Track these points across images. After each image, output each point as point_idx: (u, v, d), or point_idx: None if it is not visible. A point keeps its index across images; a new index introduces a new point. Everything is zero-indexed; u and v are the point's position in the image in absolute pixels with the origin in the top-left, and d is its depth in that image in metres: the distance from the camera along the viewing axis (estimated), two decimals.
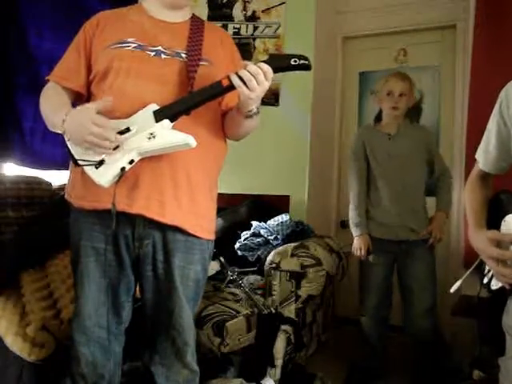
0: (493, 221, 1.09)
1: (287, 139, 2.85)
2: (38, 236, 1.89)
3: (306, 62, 1.09)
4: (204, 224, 1.24)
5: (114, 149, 1.09)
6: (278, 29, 2.88)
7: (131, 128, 1.10)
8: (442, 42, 2.85)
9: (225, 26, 2.96)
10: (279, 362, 1.92)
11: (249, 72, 1.07)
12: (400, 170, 2.08)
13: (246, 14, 2.95)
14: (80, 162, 1.11)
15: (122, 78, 1.18)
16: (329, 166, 3.13)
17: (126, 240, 1.18)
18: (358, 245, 2.14)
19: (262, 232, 2.44)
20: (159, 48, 1.21)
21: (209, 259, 1.31)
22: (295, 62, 1.09)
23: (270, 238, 2.41)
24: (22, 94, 2.50)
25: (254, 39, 2.92)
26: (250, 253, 2.40)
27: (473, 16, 2.47)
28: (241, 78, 1.07)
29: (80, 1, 2.75)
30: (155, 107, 1.12)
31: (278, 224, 2.45)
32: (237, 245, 2.45)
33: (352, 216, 2.17)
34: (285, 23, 2.87)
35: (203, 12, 3.00)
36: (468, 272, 1.15)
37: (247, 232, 2.49)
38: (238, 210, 2.67)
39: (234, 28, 2.95)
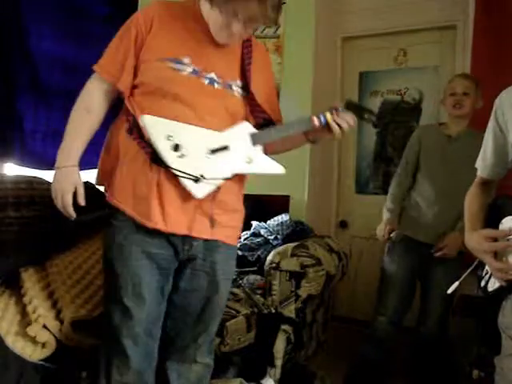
0: (491, 225, 1.10)
1: None
2: (38, 236, 1.90)
3: (375, 121, 1.26)
4: (237, 235, 1.36)
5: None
6: (278, 29, 2.88)
7: (230, 146, 1.15)
8: (441, 42, 2.85)
9: None
10: (279, 362, 1.93)
11: (347, 122, 1.21)
12: (450, 174, 2.01)
13: None
14: (177, 173, 1.12)
15: (173, 104, 1.14)
16: (329, 166, 3.13)
17: (178, 249, 1.22)
18: (383, 225, 2.12)
19: (262, 232, 2.45)
20: (213, 76, 1.18)
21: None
22: (367, 117, 1.26)
23: (269, 237, 2.41)
24: (23, 95, 2.50)
25: None
26: (250, 253, 2.40)
27: (472, 16, 2.48)
28: (337, 123, 1.20)
29: (80, 2, 2.75)
30: (250, 128, 1.17)
31: (277, 224, 2.45)
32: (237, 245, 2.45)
33: (387, 202, 2.17)
34: (285, 23, 2.87)
35: None
36: (466, 273, 1.16)
37: (247, 232, 2.49)
38: None
39: None
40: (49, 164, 2.65)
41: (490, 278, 1.10)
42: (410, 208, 2.13)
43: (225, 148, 1.13)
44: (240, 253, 2.42)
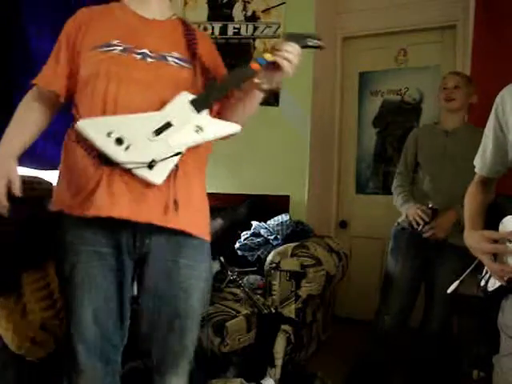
0: (491, 224, 1.10)
1: (287, 139, 2.85)
2: (37, 236, 1.89)
3: (320, 43, 1.19)
4: (203, 225, 1.24)
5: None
6: (278, 29, 2.88)
7: (173, 122, 1.09)
8: (441, 42, 2.85)
9: (225, 26, 2.96)
10: (279, 362, 1.93)
11: (287, 50, 1.14)
12: (451, 169, 2.01)
13: (245, 14, 2.95)
14: (129, 166, 1.07)
15: (109, 83, 1.13)
16: (329, 166, 3.13)
17: (127, 241, 1.14)
18: (412, 214, 2.01)
19: (262, 232, 2.45)
20: (145, 51, 1.18)
21: (210, 263, 1.29)
22: (310, 42, 1.18)
23: (269, 237, 2.41)
24: (22, 95, 2.49)
25: (254, 39, 2.92)
26: (250, 253, 2.40)
27: (472, 16, 2.48)
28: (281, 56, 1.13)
29: (80, 2, 2.75)
30: (189, 96, 1.11)
31: (278, 224, 2.45)
32: (237, 245, 2.45)
33: (397, 201, 2.14)
34: (285, 23, 2.87)
35: (203, 12, 3.00)
36: (466, 273, 1.16)
37: (247, 232, 2.49)
38: (237, 210, 2.68)
39: (234, 28, 2.95)
40: (49, 164, 2.66)
41: (489, 277, 1.10)
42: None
43: (168, 125, 1.08)
44: (240, 253, 2.42)
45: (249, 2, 2.95)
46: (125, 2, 1.27)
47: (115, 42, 1.17)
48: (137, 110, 1.11)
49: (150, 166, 1.06)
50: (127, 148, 1.07)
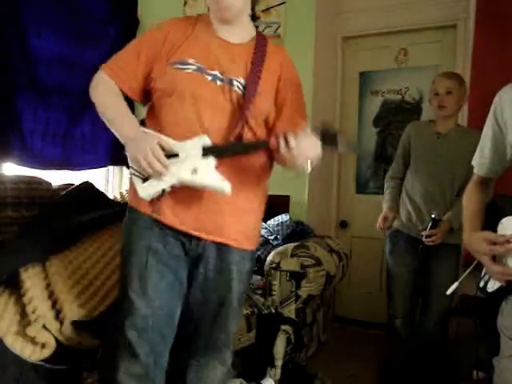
0: (490, 224, 1.10)
1: None
2: (38, 236, 1.89)
3: (351, 152, 1.17)
4: (255, 240, 1.35)
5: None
6: (278, 29, 2.87)
7: (180, 155, 1.16)
8: (442, 41, 2.85)
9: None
10: (279, 362, 1.93)
11: (299, 146, 1.09)
12: (440, 170, 2.04)
13: None
14: (130, 170, 1.20)
15: (180, 101, 1.20)
16: (329, 166, 3.13)
17: (185, 244, 1.23)
18: (381, 215, 2.13)
19: (262, 232, 2.44)
20: (216, 73, 1.22)
21: (255, 259, 1.40)
22: (342, 148, 1.14)
23: (269, 238, 2.41)
24: (22, 95, 2.50)
25: None
26: None
27: (473, 16, 2.48)
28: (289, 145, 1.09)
29: (79, 1, 2.75)
30: (206, 141, 1.17)
31: (277, 224, 2.45)
32: None
33: (384, 197, 2.21)
34: (285, 23, 2.87)
35: (203, 12, 2.99)
36: (465, 274, 1.16)
37: None
38: None
39: None
40: (48, 164, 2.66)
41: (489, 278, 1.10)
42: (403, 205, 2.15)
43: (175, 155, 1.16)
44: None
45: None
46: (209, 18, 1.29)
47: (191, 60, 1.22)
48: (194, 129, 1.18)
49: (145, 179, 1.17)
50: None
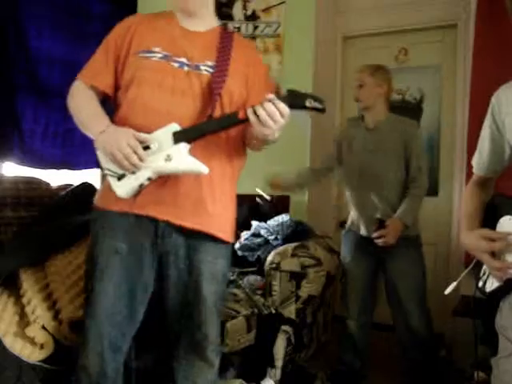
0: (488, 224, 1.10)
1: (287, 139, 2.83)
2: (37, 236, 1.89)
3: (320, 106, 1.13)
4: (228, 229, 1.31)
5: None
6: (278, 28, 2.87)
7: (151, 146, 1.15)
8: (442, 41, 2.84)
9: (225, 25, 2.95)
10: (279, 363, 1.92)
11: (265, 110, 1.08)
12: (374, 164, 2.02)
13: (246, 13, 2.94)
14: (105, 171, 1.19)
15: (146, 89, 1.21)
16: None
17: (149, 239, 1.22)
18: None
19: (262, 232, 2.44)
20: (183, 60, 1.23)
21: (230, 259, 1.35)
22: (310, 103, 1.13)
23: (270, 238, 2.41)
24: (22, 95, 2.50)
25: (254, 38, 2.91)
26: (250, 253, 2.39)
27: (474, 15, 2.47)
28: (256, 114, 1.09)
29: (79, 1, 2.74)
30: (176, 128, 1.16)
31: (277, 224, 2.44)
32: (237, 245, 2.44)
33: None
34: (285, 22, 2.86)
35: None
36: (463, 274, 1.16)
37: (247, 232, 2.49)
38: (237, 210, 2.67)
39: (234, 27, 2.94)
40: (48, 163, 2.66)
41: (487, 278, 1.10)
42: (348, 205, 2.17)
43: (147, 148, 1.15)
44: (240, 253, 2.41)
45: (249, 1, 2.94)
46: (173, 11, 1.31)
47: (156, 48, 1.23)
48: (171, 116, 1.18)
49: (120, 177, 1.15)
50: (112, 160, 1.16)
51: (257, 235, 2.45)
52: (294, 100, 1.12)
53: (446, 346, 2.40)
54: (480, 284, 1.12)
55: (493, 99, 1.13)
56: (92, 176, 2.93)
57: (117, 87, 1.27)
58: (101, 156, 1.20)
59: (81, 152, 2.81)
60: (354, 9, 3.02)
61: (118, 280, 1.20)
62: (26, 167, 2.54)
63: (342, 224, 3.12)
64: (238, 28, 2.94)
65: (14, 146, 2.47)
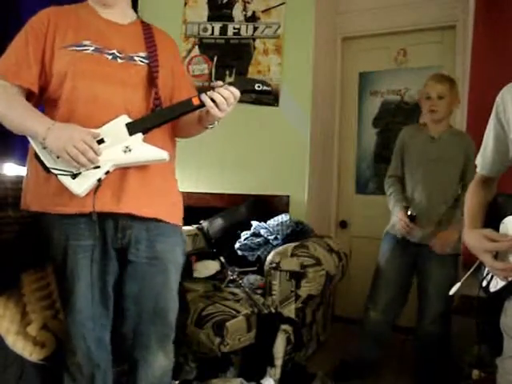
0: (491, 224, 1.10)
1: (287, 139, 2.85)
2: (37, 236, 1.89)
3: (268, 89, 1.21)
4: (177, 212, 1.34)
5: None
6: (278, 29, 2.88)
7: (105, 139, 1.15)
8: (441, 42, 2.85)
9: (225, 27, 2.96)
10: (279, 362, 1.93)
11: (221, 95, 1.15)
12: (436, 174, 2.07)
13: (245, 15, 2.95)
14: (54, 172, 1.13)
15: (86, 81, 1.20)
16: (328, 166, 3.13)
17: (110, 233, 1.23)
18: (399, 217, 2.10)
19: (262, 232, 2.45)
20: (114, 52, 1.25)
21: (184, 244, 1.40)
22: (258, 87, 1.20)
23: (269, 237, 2.41)
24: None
25: (254, 40, 2.92)
26: (250, 253, 2.40)
27: (472, 16, 2.48)
28: (212, 100, 1.15)
29: (79, 2, 2.75)
30: (127, 119, 1.17)
31: (277, 224, 2.45)
32: (237, 245, 2.45)
33: (389, 203, 2.22)
34: (285, 23, 2.87)
35: (203, 12, 3.00)
36: (467, 274, 1.16)
37: (247, 232, 2.49)
38: (237, 210, 2.68)
39: (234, 28, 2.95)
40: None
41: (491, 278, 1.10)
42: (392, 210, 2.19)
43: (101, 141, 1.14)
44: (240, 253, 2.42)
45: (249, 3, 2.95)
46: (89, 4, 1.32)
47: (86, 42, 1.23)
48: (107, 108, 1.19)
49: (74, 175, 1.12)
50: (59, 156, 1.12)
51: (257, 235, 2.46)
52: (244, 84, 1.20)
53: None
54: (484, 284, 1.12)
55: (497, 99, 1.13)
56: None
57: (44, 84, 1.22)
58: (44, 156, 1.14)
59: None
60: (354, 10, 3.03)
61: (89, 276, 1.23)
62: (26, 168, 2.54)
63: (342, 224, 3.14)
64: (238, 29, 2.95)
65: (15, 146, 2.47)
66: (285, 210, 2.70)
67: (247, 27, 2.93)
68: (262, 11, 2.92)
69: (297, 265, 2.07)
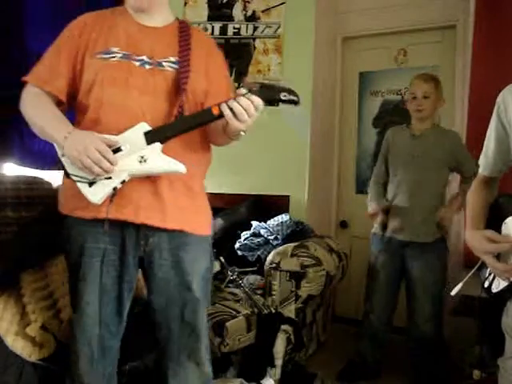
0: (493, 224, 1.10)
1: (287, 139, 2.85)
2: (38, 236, 1.89)
3: (295, 98, 1.11)
4: (203, 222, 1.30)
5: None
6: (278, 29, 2.88)
7: (122, 148, 1.12)
8: (441, 42, 2.85)
9: (225, 26, 2.96)
10: (279, 362, 1.93)
11: (240, 105, 1.07)
12: (419, 170, 2.09)
13: (246, 14, 2.95)
14: (73, 178, 1.13)
15: (111, 90, 1.18)
16: (328, 166, 3.13)
17: (131, 240, 1.20)
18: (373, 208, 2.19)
19: (262, 232, 2.44)
20: (143, 58, 1.21)
21: (211, 255, 1.35)
22: (284, 96, 1.11)
23: (270, 237, 2.41)
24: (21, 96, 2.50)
25: (254, 39, 2.92)
26: (250, 253, 2.40)
27: (472, 16, 2.48)
28: (231, 110, 1.08)
29: (79, 2, 2.75)
30: (146, 127, 1.14)
31: (277, 224, 2.45)
32: (237, 245, 2.45)
33: (370, 197, 2.26)
34: (285, 23, 2.87)
35: (203, 12, 3.00)
36: (469, 275, 1.16)
37: (247, 232, 2.49)
38: (237, 210, 2.67)
39: (234, 28, 2.95)
40: (48, 164, 2.65)
41: (493, 278, 1.09)
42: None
43: (118, 149, 1.12)
44: (240, 253, 2.42)
45: (249, 2, 2.95)
46: (127, 8, 1.28)
47: (115, 49, 1.21)
48: (139, 115, 1.16)
49: (91, 183, 1.11)
50: (80, 168, 1.11)
51: (257, 235, 2.45)
52: (268, 93, 1.11)
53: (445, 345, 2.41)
54: (486, 284, 1.12)
55: (498, 99, 1.13)
56: None
57: (74, 92, 1.23)
58: (66, 162, 1.15)
59: None
60: (354, 10, 3.03)
61: (103, 282, 1.20)
62: (26, 167, 2.54)
63: (342, 224, 3.14)
64: (238, 29, 2.94)
65: (15, 146, 2.47)
66: (285, 210, 2.70)
67: (247, 27, 2.93)
68: (262, 11, 2.91)
69: (297, 265, 2.07)
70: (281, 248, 2.15)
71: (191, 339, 1.24)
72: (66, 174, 1.15)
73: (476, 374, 1.79)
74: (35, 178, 2.36)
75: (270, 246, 2.35)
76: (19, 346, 1.37)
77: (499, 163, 1.17)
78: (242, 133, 1.15)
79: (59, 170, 1.20)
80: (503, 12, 2.37)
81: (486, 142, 1.20)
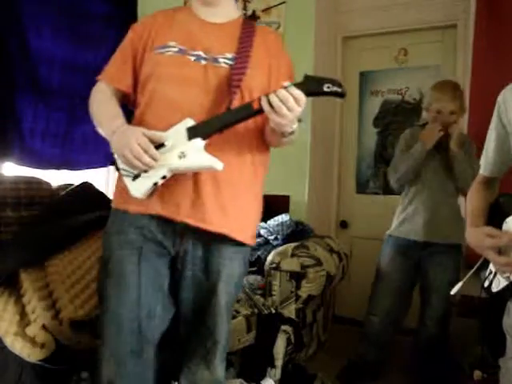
0: (494, 224, 1.09)
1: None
2: (37, 236, 1.89)
3: (340, 90, 1.06)
4: (245, 228, 1.25)
5: None
6: (278, 28, 2.87)
7: (166, 143, 1.12)
8: (442, 41, 2.84)
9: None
10: (279, 363, 1.92)
11: (278, 98, 1.02)
12: (440, 174, 2.08)
13: (246, 14, 2.94)
14: (121, 172, 1.17)
15: (163, 84, 1.18)
16: (329, 166, 3.13)
17: (169, 235, 1.19)
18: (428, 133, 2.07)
19: (262, 232, 2.44)
20: (200, 53, 1.20)
21: (247, 262, 1.33)
22: (328, 88, 1.05)
23: (270, 238, 2.41)
24: (22, 94, 2.50)
25: None
26: (250, 253, 2.40)
27: (473, 16, 2.47)
28: (270, 103, 1.03)
29: (79, 2, 2.75)
30: (190, 123, 1.13)
31: (277, 224, 2.45)
32: None
33: (403, 165, 2.13)
34: (285, 23, 2.86)
35: None
36: (469, 274, 1.16)
37: None
38: None
39: None
40: (48, 163, 2.66)
41: (493, 278, 1.09)
42: (402, 210, 2.18)
43: (162, 145, 1.11)
44: None
45: (249, 1, 2.94)
46: (192, 4, 1.30)
47: (172, 43, 1.21)
48: (187, 110, 1.15)
49: (135, 177, 1.13)
50: (123, 161, 1.14)
51: (257, 235, 2.45)
52: (311, 85, 1.05)
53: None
54: (486, 284, 1.12)
55: (499, 99, 1.13)
56: (92, 176, 2.93)
57: (135, 86, 1.26)
58: (116, 157, 1.18)
59: (81, 152, 2.81)
60: (354, 9, 3.02)
61: (138, 282, 1.17)
62: (25, 167, 2.54)
63: (342, 224, 3.14)
64: None
65: (14, 145, 2.47)
66: (285, 210, 2.69)
67: None
68: (262, 10, 2.91)
69: (297, 265, 2.06)
70: (281, 248, 2.14)
71: (208, 343, 1.23)
72: (117, 169, 1.18)
73: (477, 374, 1.79)
74: (35, 178, 2.37)
75: (270, 246, 2.35)
76: (18, 347, 1.37)
77: (500, 163, 1.17)
78: (288, 129, 1.11)
79: (112, 164, 1.23)
80: (504, 11, 2.37)
81: (486, 142, 1.20)
